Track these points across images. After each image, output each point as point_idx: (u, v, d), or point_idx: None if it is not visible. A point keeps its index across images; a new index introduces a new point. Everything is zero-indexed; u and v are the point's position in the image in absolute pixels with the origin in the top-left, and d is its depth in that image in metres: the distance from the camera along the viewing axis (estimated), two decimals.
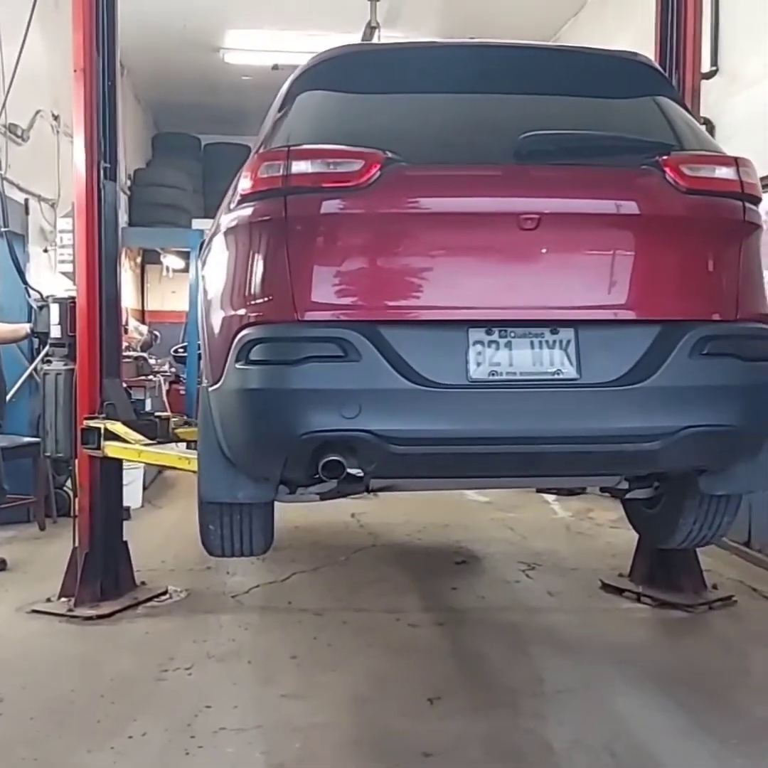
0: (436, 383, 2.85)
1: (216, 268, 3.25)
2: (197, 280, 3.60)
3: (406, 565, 5.90)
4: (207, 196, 12.43)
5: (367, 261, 2.94)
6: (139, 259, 13.49)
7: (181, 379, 10.42)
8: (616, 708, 3.75)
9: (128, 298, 11.13)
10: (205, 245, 3.52)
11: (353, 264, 2.92)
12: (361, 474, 3.12)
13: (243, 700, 3.79)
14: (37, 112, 7.45)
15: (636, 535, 5.41)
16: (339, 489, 3.49)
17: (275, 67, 3.12)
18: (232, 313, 3.00)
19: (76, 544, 4.95)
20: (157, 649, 4.34)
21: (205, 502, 3.43)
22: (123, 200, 11.45)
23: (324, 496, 3.63)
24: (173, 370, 10.67)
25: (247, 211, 2.99)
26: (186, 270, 11.68)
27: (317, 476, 2.93)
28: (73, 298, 4.98)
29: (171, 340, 11.11)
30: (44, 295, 5.60)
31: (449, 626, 4.72)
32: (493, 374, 2.91)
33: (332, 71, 3.29)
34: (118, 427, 4.73)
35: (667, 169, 3.01)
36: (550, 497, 8.21)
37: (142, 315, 13.36)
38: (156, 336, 10.78)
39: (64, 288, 6.22)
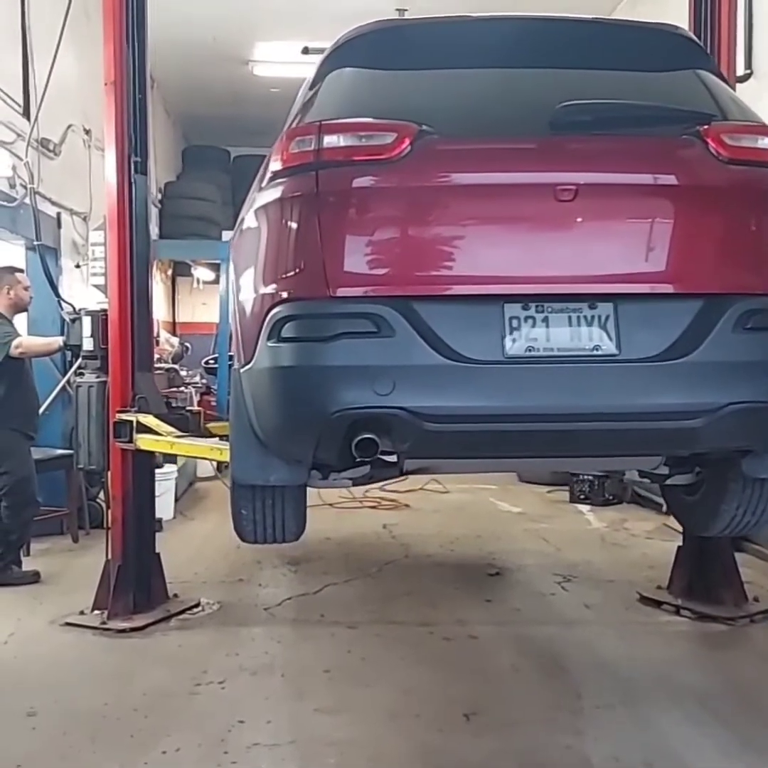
0: (471, 359, 2.79)
1: (247, 248, 3.21)
2: (227, 292, 3.60)
3: (439, 577, 5.84)
4: (237, 208, 12.45)
5: (400, 235, 2.89)
6: (169, 272, 13.58)
7: (212, 390, 10.47)
8: (655, 724, 3.66)
9: (159, 310, 11.18)
10: (235, 229, 3.50)
11: (386, 239, 2.88)
12: (395, 457, 3.08)
13: (277, 714, 3.76)
14: (69, 126, 7.51)
15: (673, 547, 5.35)
16: (372, 473, 3.46)
17: (305, 51, 3.08)
18: (264, 291, 2.96)
19: (109, 557, 4.95)
20: (190, 662, 4.32)
21: (237, 485, 3.39)
22: (154, 213, 11.53)
23: (357, 482, 3.58)
24: (204, 381, 10.72)
25: (278, 187, 2.95)
26: (216, 282, 11.74)
27: (350, 457, 2.87)
28: (106, 310, 4.99)
29: (202, 351, 11.15)
30: (77, 307, 5.62)
31: (484, 639, 4.65)
32: (529, 350, 2.84)
33: (362, 48, 3.24)
34: (150, 420, 4.73)
35: (708, 139, 2.93)
36: (584, 507, 8.13)
37: (173, 327, 13.44)
38: (187, 348, 10.83)
39: (96, 301, 6.25)
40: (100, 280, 5.82)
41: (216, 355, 10.31)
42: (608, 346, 2.86)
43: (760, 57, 6.32)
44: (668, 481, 3.73)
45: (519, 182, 2.92)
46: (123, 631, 4.69)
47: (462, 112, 3.06)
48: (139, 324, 4.97)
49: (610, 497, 8.24)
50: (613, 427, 2.88)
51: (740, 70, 5.92)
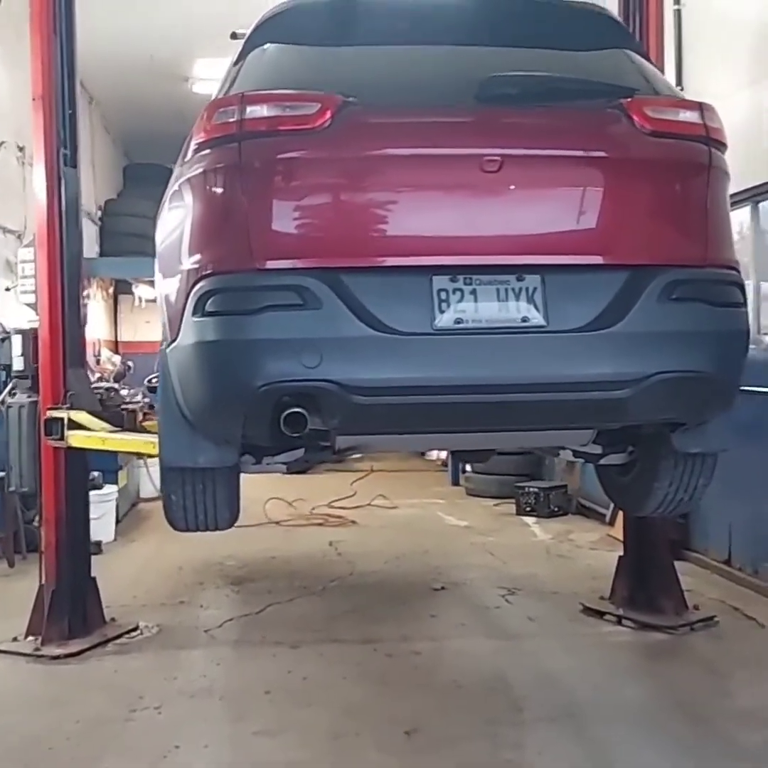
0: (400, 331, 2.78)
1: (171, 223, 3.18)
2: None
3: (384, 594, 5.79)
4: None
5: (325, 207, 2.87)
6: (111, 290, 13.39)
7: (155, 409, 10.29)
8: (596, 736, 3.66)
9: (101, 329, 11.02)
10: (160, 207, 3.46)
11: (311, 210, 2.86)
12: (327, 439, 3.04)
13: (214, 738, 3.67)
14: (1, 143, 7.38)
15: (616, 557, 5.36)
16: (307, 457, 3.45)
17: (234, 36, 3.02)
18: (188, 266, 2.93)
19: (43, 581, 4.82)
20: (127, 687, 4.20)
21: (166, 468, 3.35)
22: (94, 231, 11.39)
23: (291, 467, 3.56)
24: (146, 400, 10.55)
25: (200, 160, 2.92)
26: None
27: (280, 435, 2.83)
28: (36, 329, 4.89)
29: (145, 370, 10.98)
30: (6, 327, 5.50)
31: (427, 655, 4.61)
32: (458, 322, 2.84)
33: (286, 24, 3.24)
34: (82, 416, 4.63)
35: (631, 112, 2.96)
36: (530, 520, 8.13)
37: (115, 346, 13.24)
38: (129, 367, 10.67)
39: (27, 319, 6.12)
40: (31, 298, 5.70)
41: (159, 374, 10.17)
42: (536, 318, 2.88)
43: (690, 72, 6.43)
44: (602, 461, 3.77)
45: (444, 153, 2.91)
46: (57, 657, 4.56)
47: (387, 85, 3.05)
48: (71, 318, 4.87)
49: (556, 509, 8.27)
50: (542, 398, 2.90)
51: None
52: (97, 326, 10.92)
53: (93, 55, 9.87)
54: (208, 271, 2.84)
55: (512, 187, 2.86)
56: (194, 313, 2.84)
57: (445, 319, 2.83)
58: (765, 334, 5.70)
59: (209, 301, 2.81)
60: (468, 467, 9.75)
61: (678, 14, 6.56)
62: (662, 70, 5.12)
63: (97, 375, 9.28)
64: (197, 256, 2.90)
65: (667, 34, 5.88)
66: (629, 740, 3.61)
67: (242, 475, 3.54)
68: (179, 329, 2.94)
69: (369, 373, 2.77)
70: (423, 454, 12.71)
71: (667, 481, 3.52)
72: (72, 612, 4.77)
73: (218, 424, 3.07)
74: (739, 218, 6.23)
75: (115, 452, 6.92)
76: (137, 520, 8.39)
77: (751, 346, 5.68)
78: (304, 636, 4.91)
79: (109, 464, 7.39)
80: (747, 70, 5.89)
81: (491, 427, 3.28)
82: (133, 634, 4.94)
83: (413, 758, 3.48)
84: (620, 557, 5.31)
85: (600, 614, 5.14)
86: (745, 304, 3.10)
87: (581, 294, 2.89)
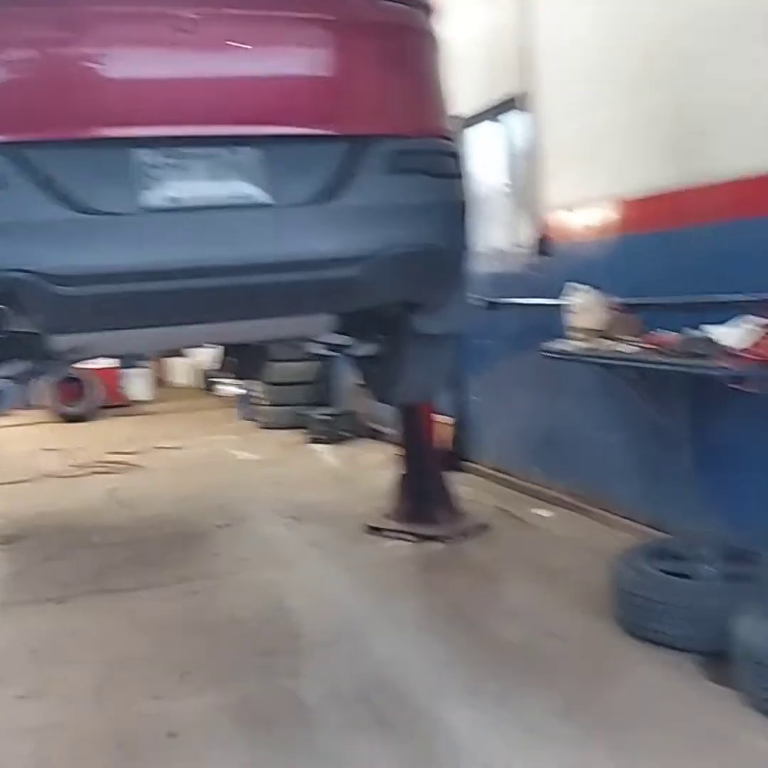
0: (101, 211, 2.55)
1: None
2: None
3: (165, 537, 5.60)
4: None
5: (1, 74, 2.56)
6: None
7: None
8: (373, 653, 3.68)
9: None
10: None
11: None
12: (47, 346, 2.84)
13: None
14: None
15: (398, 475, 5.43)
16: (35, 367, 3.24)
17: None
18: None
19: None
20: None
21: None
22: None
23: (18, 380, 3.31)
24: None
25: None
26: None
27: None
28: None
29: None
30: None
31: (205, 594, 4.49)
32: (168, 201, 2.64)
33: None
34: None
35: None
36: (320, 447, 8.13)
37: None
38: None
39: None
40: None
41: None
42: (253, 193, 2.73)
43: None
44: (356, 353, 3.76)
45: (132, 11, 2.65)
46: None
47: None
48: None
49: (345, 434, 8.32)
50: (265, 281, 2.75)
51: None
52: None
53: None
54: None
55: (212, 50, 2.65)
56: None
57: (151, 197, 2.62)
58: (519, 246, 5.83)
59: None
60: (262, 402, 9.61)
61: None
62: None
63: None
64: None
65: None
66: (402, 651, 3.66)
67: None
68: None
69: (69, 260, 2.53)
70: (212, 389, 12.43)
71: (412, 365, 3.55)
72: None
73: None
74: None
75: None
76: None
77: (510, 260, 5.92)
78: (75, 590, 4.65)
79: None
80: None
81: (217, 317, 3.06)
82: None
83: (185, 701, 3.37)
84: (398, 474, 5.38)
85: (381, 531, 5.19)
86: (461, 175, 3.06)
87: (297, 168, 2.75)
